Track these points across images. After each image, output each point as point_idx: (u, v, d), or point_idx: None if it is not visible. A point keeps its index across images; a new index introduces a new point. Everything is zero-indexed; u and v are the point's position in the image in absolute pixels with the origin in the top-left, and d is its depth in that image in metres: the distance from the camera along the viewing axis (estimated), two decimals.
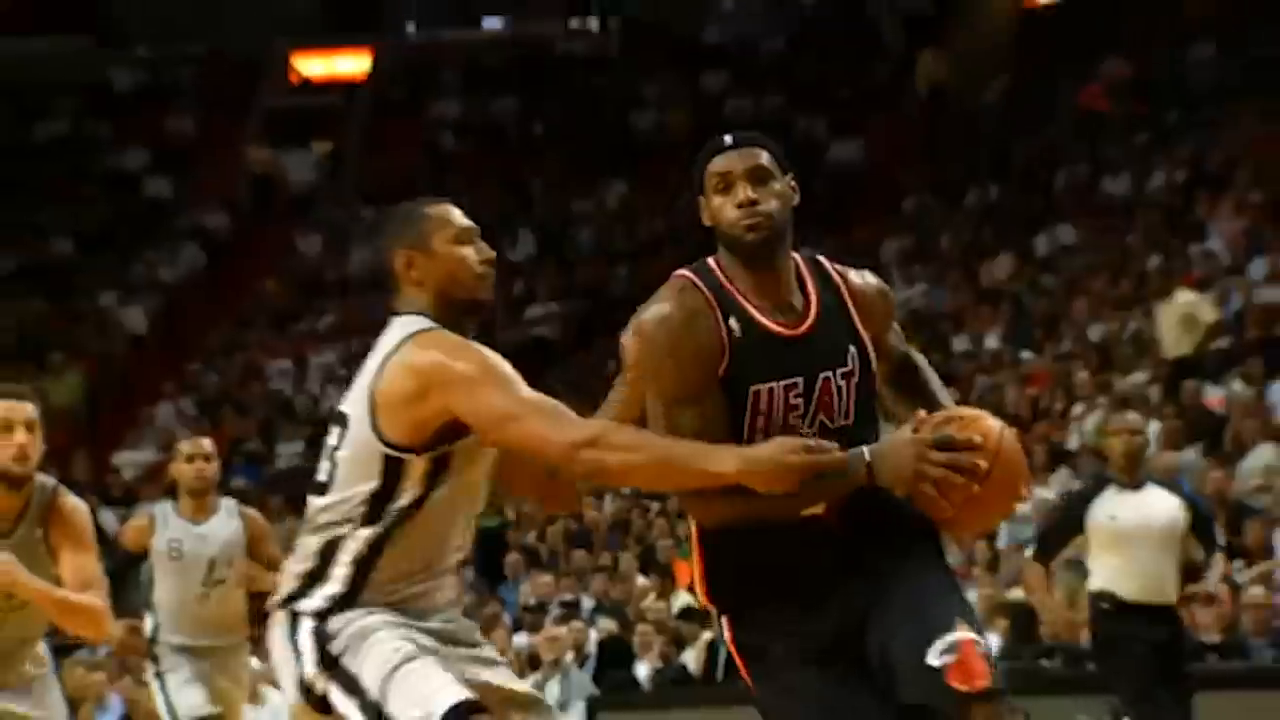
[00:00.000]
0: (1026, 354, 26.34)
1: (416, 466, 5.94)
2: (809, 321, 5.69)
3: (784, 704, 5.87)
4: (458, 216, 6.09)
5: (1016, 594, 19.38)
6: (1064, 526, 12.41)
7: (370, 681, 5.97)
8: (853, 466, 5.46)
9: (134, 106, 42.78)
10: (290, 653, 6.15)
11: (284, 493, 27.81)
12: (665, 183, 36.01)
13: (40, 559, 7.96)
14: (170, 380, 36.14)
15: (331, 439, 6.10)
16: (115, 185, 41.37)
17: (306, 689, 6.12)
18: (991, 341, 26.73)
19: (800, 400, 5.67)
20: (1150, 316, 24.58)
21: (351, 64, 42.91)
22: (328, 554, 6.12)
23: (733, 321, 5.66)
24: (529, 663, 21.71)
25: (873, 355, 5.80)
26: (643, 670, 21.76)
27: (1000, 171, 33.49)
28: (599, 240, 38.98)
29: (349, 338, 36.89)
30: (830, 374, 5.70)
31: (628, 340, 5.79)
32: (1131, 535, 12.29)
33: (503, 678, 6.35)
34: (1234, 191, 27.45)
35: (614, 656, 22.45)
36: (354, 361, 30.84)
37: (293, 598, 6.19)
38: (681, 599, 22.76)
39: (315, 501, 6.15)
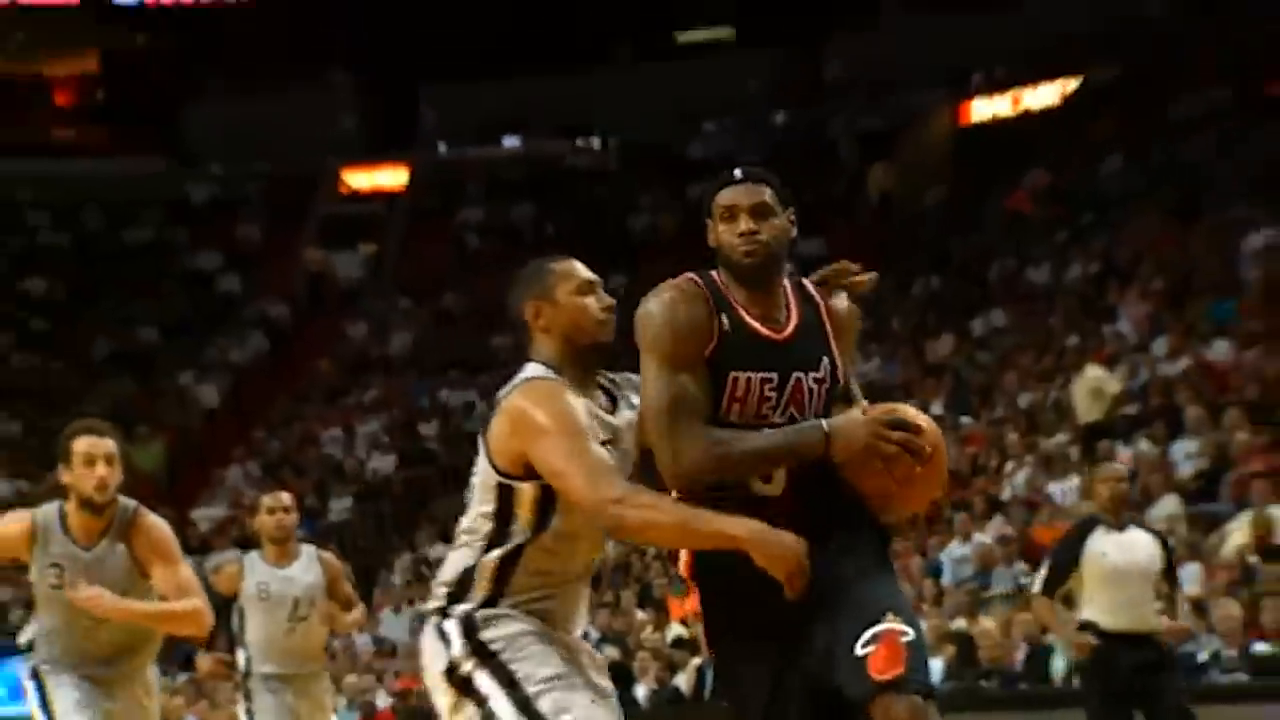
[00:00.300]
0: (965, 419, 26.37)
1: (526, 493, 5.92)
2: (790, 330, 5.72)
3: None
4: (580, 270, 6.08)
5: (959, 624, 19.46)
6: (1064, 564, 12.21)
7: (527, 682, 5.98)
8: (813, 436, 5.48)
9: (208, 216, 42.76)
10: (439, 643, 6.11)
11: (335, 541, 27.67)
12: (658, 276, 35.50)
13: (120, 569, 8.12)
14: (239, 447, 36.08)
15: (474, 466, 6.12)
16: (192, 282, 41.37)
17: (451, 668, 6.09)
18: (936, 409, 26.47)
19: (774, 394, 5.68)
20: (1068, 387, 24.62)
21: (391, 177, 42.88)
22: (468, 569, 6.10)
23: (724, 317, 5.69)
24: None
25: (841, 366, 5.82)
26: (641, 692, 21.64)
27: (941, 265, 33.49)
28: None
29: (390, 409, 37.19)
30: (803, 375, 5.71)
31: (637, 319, 5.80)
32: (1120, 571, 12.15)
33: (609, 687, 6.36)
34: (1139, 281, 27.55)
35: (616, 679, 22.20)
36: (396, 429, 30.76)
37: (440, 608, 6.15)
38: (674, 630, 22.81)
39: (460, 522, 6.17)
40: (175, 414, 36.65)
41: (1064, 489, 22.06)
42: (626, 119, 41.96)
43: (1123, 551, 12.17)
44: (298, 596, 11.45)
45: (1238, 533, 17.07)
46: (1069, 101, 36.63)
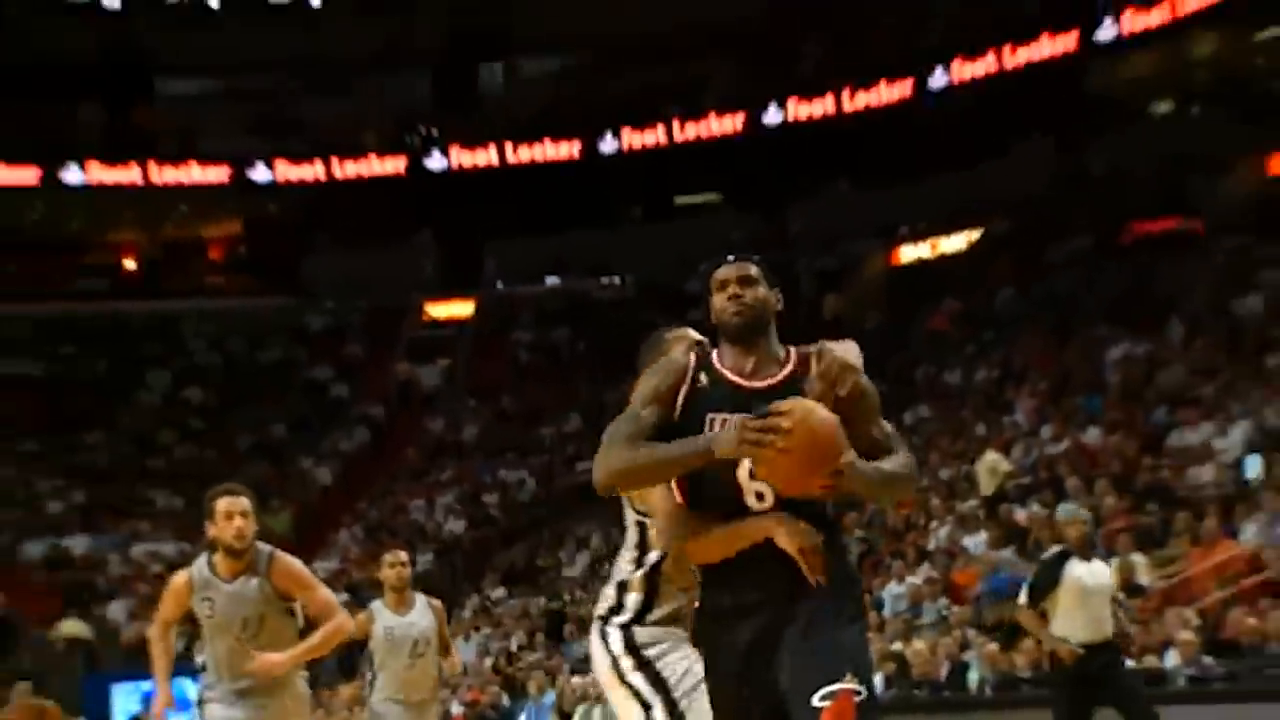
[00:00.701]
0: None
1: (652, 529, 5.97)
2: (774, 382, 5.36)
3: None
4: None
5: (897, 646, 19.46)
6: (1045, 587, 12.15)
7: (676, 687, 6.00)
8: (700, 443, 5.11)
9: (322, 340, 42.91)
10: (603, 646, 6.16)
11: (420, 587, 27.60)
12: None
13: (256, 598, 8.25)
14: (347, 515, 36.05)
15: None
16: (310, 390, 41.47)
17: (615, 663, 6.12)
18: None
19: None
20: (975, 464, 24.76)
21: (461, 308, 42.99)
22: (621, 591, 6.17)
23: (702, 375, 5.43)
24: (580, 697, 21.14)
25: None
26: None
27: (879, 372, 33.40)
28: None
29: (461, 484, 36.96)
30: None
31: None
32: (1091, 592, 12.06)
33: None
34: (1028, 383, 27.77)
35: None
36: (465, 500, 30.48)
37: (603, 617, 6.23)
38: None
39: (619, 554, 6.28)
40: (299, 490, 36.60)
41: (975, 542, 22.08)
42: (639, 263, 41.80)
43: (1093, 577, 12.12)
44: (416, 638, 11.44)
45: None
46: (973, 248, 36.72)
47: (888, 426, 5.48)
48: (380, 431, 40.45)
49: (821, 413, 5.07)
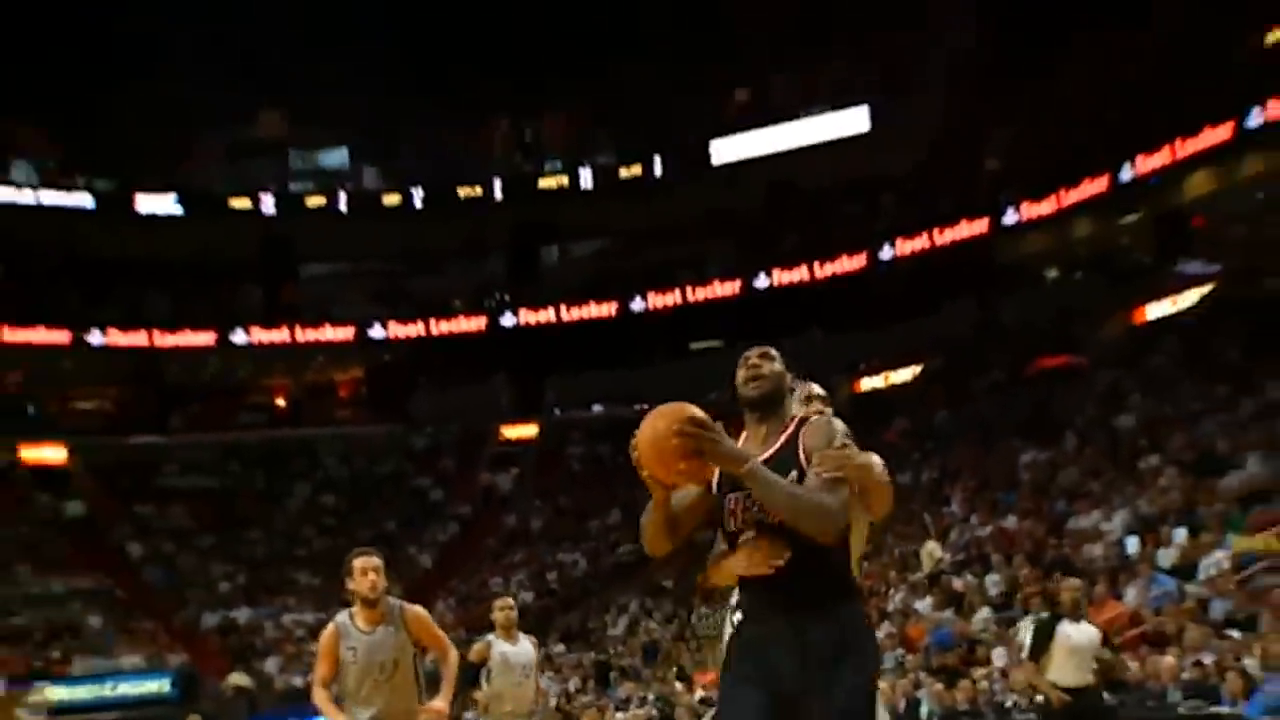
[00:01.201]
0: (865, 563, 26.39)
1: None
2: (770, 453, 4.86)
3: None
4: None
5: None
6: (1042, 643, 11.72)
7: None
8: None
9: (424, 456, 43.11)
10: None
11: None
12: None
13: (391, 644, 7.93)
14: (443, 590, 35.93)
15: None
16: (415, 495, 41.69)
17: None
18: None
19: (751, 505, 4.81)
20: (921, 546, 24.58)
21: (528, 430, 42.82)
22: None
23: None
24: None
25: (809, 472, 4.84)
26: None
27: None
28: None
29: (530, 565, 36.71)
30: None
31: None
32: (1080, 648, 11.60)
33: None
34: (961, 482, 27.76)
35: None
36: (533, 577, 29.96)
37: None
38: (699, 694, 22.04)
39: None
40: (407, 572, 36.38)
41: (924, 604, 22.11)
42: (663, 393, 41.27)
43: (1081, 635, 11.71)
44: (524, 664, 11.33)
45: (1025, 629, 16.90)
46: (916, 380, 36.84)
47: (837, 488, 4.78)
48: (468, 525, 40.27)
49: (646, 437, 4.83)
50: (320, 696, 7.93)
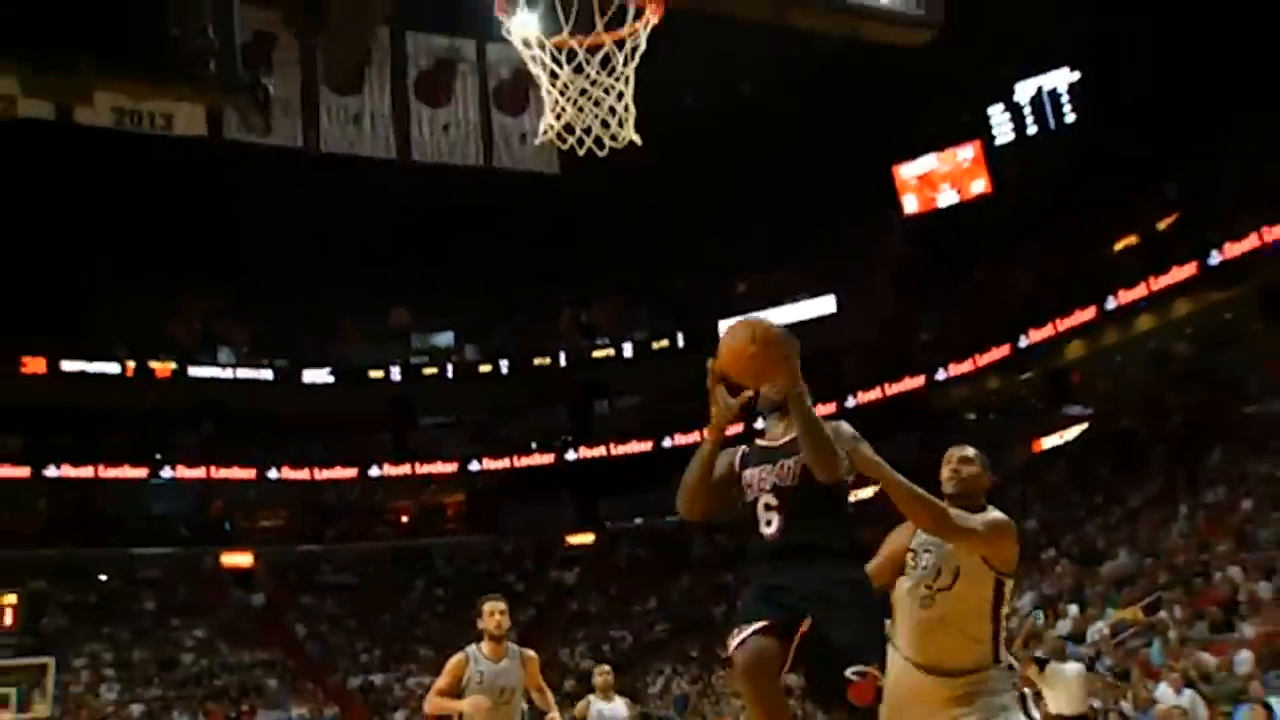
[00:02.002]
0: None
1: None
2: (782, 442, 4.53)
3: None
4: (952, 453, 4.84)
5: None
6: (1043, 664, 10.58)
7: None
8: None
9: (509, 558, 42.38)
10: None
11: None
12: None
13: (514, 675, 7.32)
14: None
15: None
16: (503, 588, 39.84)
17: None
18: None
19: (768, 474, 4.47)
20: None
21: (587, 538, 42.36)
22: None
23: (744, 448, 4.67)
24: None
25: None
26: None
27: None
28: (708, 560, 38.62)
29: (589, 640, 36.07)
30: (787, 460, 4.46)
31: None
32: (1070, 678, 10.84)
33: None
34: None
35: None
36: (593, 649, 29.18)
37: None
38: None
39: None
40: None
41: None
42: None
43: (1070, 667, 11.01)
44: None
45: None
46: (874, 496, 36.41)
47: (848, 444, 4.59)
48: (542, 610, 39.41)
49: (740, 328, 4.47)
50: (434, 699, 7.22)
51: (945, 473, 4.88)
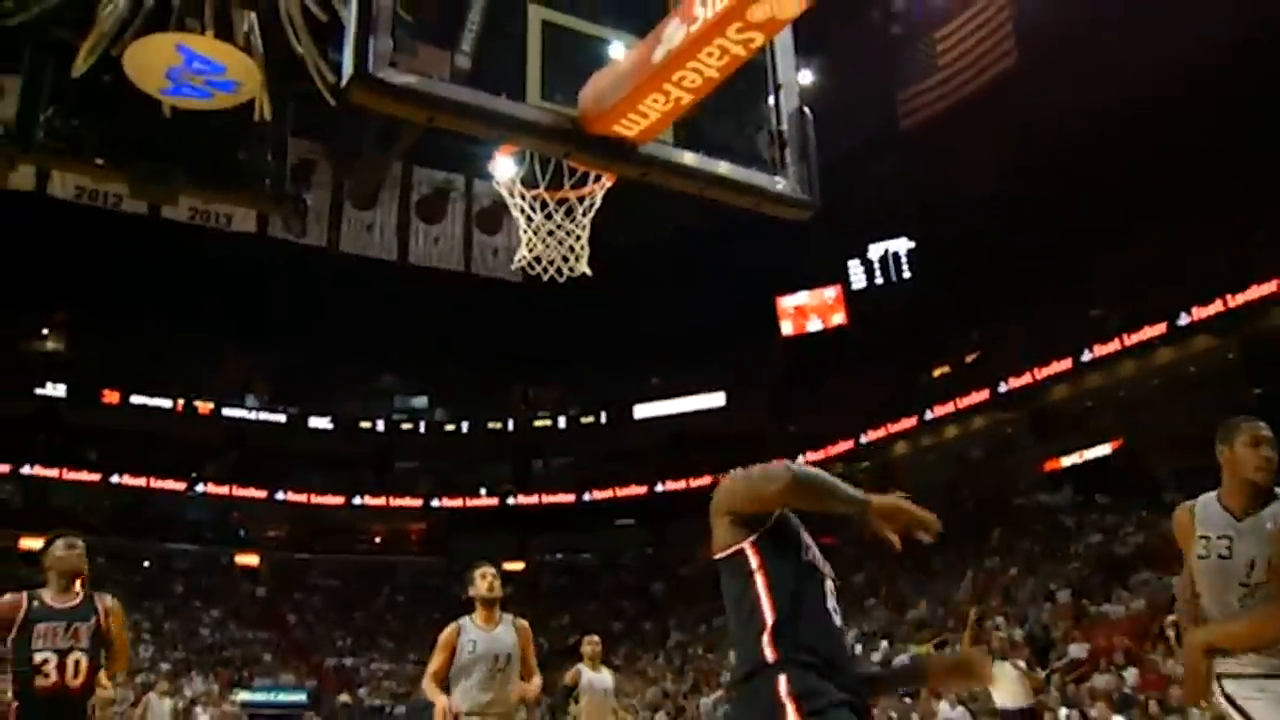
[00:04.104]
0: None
1: None
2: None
3: None
4: (1252, 431, 3.35)
5: None
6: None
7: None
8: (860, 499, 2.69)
9: (456, 578, 41.46)
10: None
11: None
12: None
13: (510, 642, 5.68)
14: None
15: None
16: (450, 598, 39.97)
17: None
18: None
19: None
20: None
21: (518, 565, 39.94)
22: None
23: None
24: None
25: None
26: None
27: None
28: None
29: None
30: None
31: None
32: (1011, 677, 9.65)
33: None
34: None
35: None
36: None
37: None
38: None
39: None
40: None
41: None
42: (600, 551, 40.75)
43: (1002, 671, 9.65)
44: (605, 689, 8.43)
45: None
46: None
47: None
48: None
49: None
50: (430, 685, 5.52)
51: (1255, 458, 3.33)
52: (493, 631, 5.69)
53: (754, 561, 2.59)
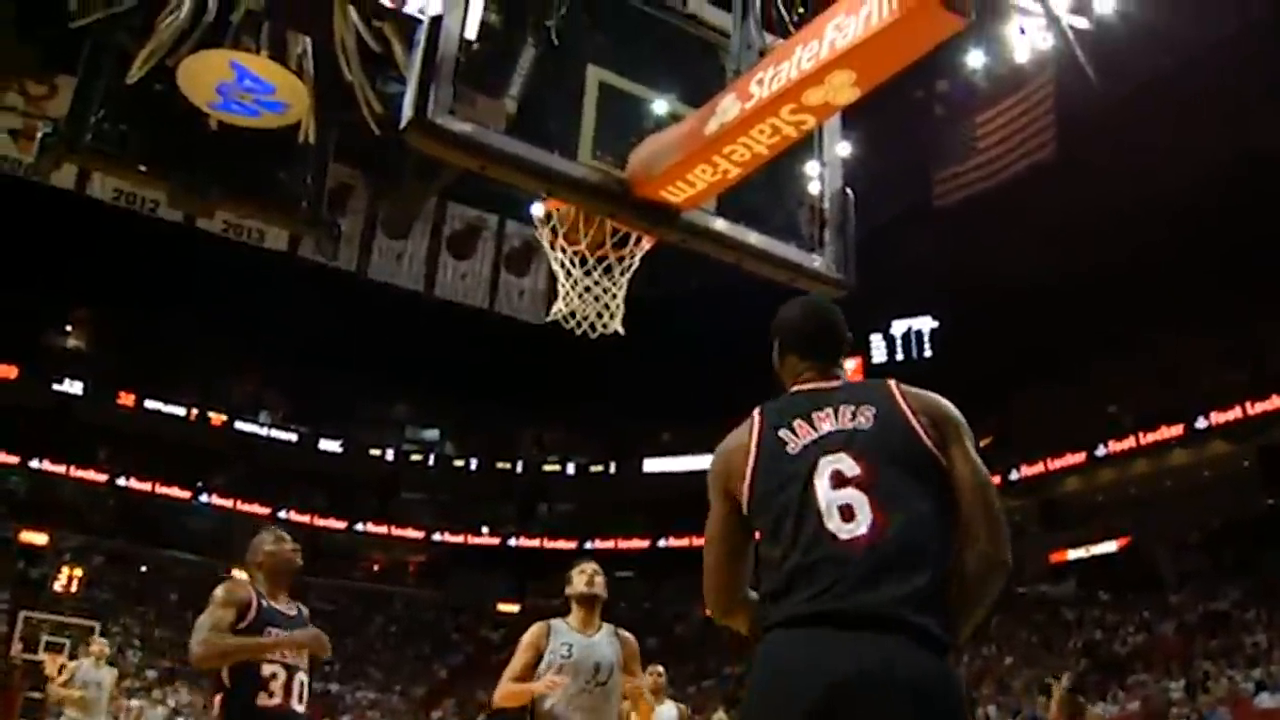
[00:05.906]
0: None
1: None
2: None
3: None
4: None
5: None
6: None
7: None
8: None
9: (452, 613, 41.29)
10: None
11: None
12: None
13: (611, 652, 4.75)
14: (450, 695, 33.81)
15: None
16: (444, 634, 39.87)
17: None
18: None
19: None
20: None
21: (514, 607, 40.32)
22: None
23: None
24: None
25: None
26: None
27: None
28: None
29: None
30: None
31: None
32: None
33: None
34: None
35: None
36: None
37: None
38: None
39: None
40: (426, 680, 35.00)
41: None
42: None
43: None
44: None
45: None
46: None
47: None
48: (469, 657, 37.98)
49: None
50: (505, 686, 4.59)
51: None
52: (591, 638, 4.68)
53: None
